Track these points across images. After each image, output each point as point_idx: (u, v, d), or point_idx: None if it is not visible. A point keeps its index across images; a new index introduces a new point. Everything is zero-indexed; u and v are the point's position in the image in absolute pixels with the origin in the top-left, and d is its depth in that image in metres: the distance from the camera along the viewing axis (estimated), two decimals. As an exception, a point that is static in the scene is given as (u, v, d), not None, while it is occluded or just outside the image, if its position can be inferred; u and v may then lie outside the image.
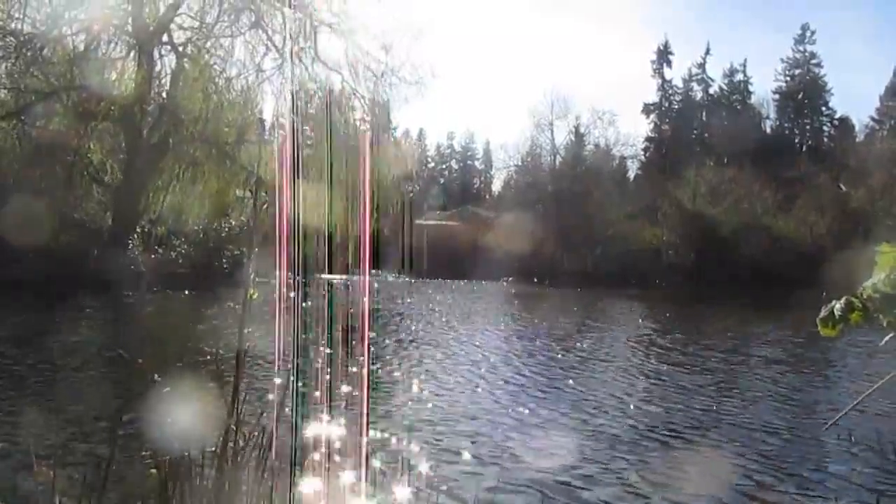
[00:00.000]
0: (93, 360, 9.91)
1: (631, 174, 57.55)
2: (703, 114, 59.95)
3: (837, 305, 1.59)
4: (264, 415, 3.31)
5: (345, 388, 7.92)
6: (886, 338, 1.54)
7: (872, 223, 32.32)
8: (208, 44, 24.50)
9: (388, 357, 11.14)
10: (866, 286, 1.56)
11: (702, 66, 59.40)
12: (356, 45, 25.15)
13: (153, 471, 3.04)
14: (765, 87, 67.49)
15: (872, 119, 56.18)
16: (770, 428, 7.18)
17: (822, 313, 1.62)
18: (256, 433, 3.09)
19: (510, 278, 38.65)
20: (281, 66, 24.86)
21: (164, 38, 24.12)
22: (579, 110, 60.50)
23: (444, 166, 78.95)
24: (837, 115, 57.90)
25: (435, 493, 4.65)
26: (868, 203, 35.48)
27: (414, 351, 11.98)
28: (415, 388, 8.63)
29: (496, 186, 68.66)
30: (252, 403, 6.78)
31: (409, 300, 23.48)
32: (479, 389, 8.67)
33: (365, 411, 7.20)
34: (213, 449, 2.95)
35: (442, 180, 74.79)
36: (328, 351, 9.07)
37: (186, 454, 2.92)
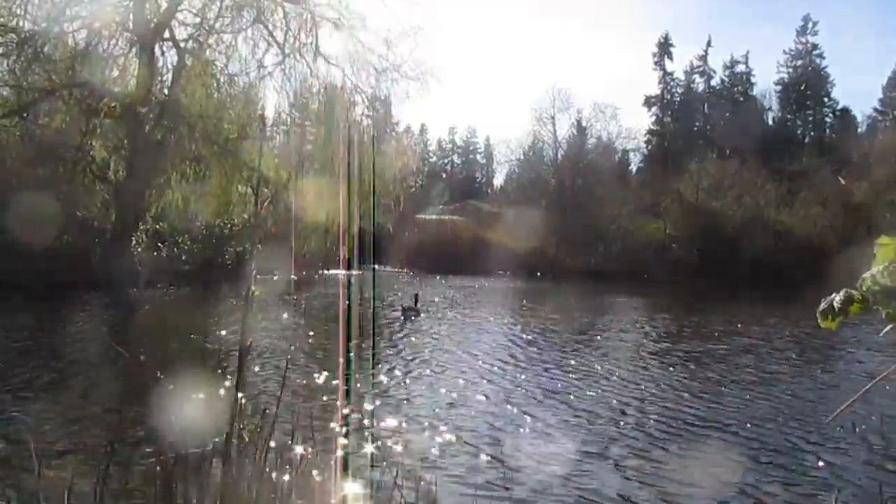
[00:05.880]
0: (95, 358, 9.94)
1: (633, 168, 57.50)
2: (705, 106, 59.82)
3: (836, 298, 1.59)
4: (267, 411, 3.32)
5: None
6: (885, 329, 1.54)
7: (876, 216, 32.19)
8: (210, 40, 24.47)
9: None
10: (865, 278, 1.55)
11: (703, 58, 59.28)
12: (358, 40, 25.11)
13: (157, 468, 3.05)
14: (767, 78, 67.55)
15: (875, 110, 56.06)
16: (775, 420, 7.19)
17: (822, 306, 1.62)
18: (260, 429, 3.10)
19: (509, 272, 38.62)
20: (282, 62, 24.84)
21: (166, 34, 24.08)
22: (581, 104, 60.54)
23: (445, 161, 78.87)
24: (839, 107, 57.76)
25: (438, 485, 4.66)
26: (871, 196, 35.32)
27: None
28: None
29: (498, 181, 68.67)
30: (256, 399, 6.81)
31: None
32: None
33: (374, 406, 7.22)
34: (216, 447, 2.96)
35: (444, 175, 74.70)
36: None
37: (190, 451, 2.93)
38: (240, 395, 2.95)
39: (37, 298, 16.42)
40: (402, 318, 15.53)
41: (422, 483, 4.59)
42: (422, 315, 16.09)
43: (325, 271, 29.47)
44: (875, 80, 70.81)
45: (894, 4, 70.72)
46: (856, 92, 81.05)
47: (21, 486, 4.46)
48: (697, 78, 59.64)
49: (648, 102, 58.28)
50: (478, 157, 78.73)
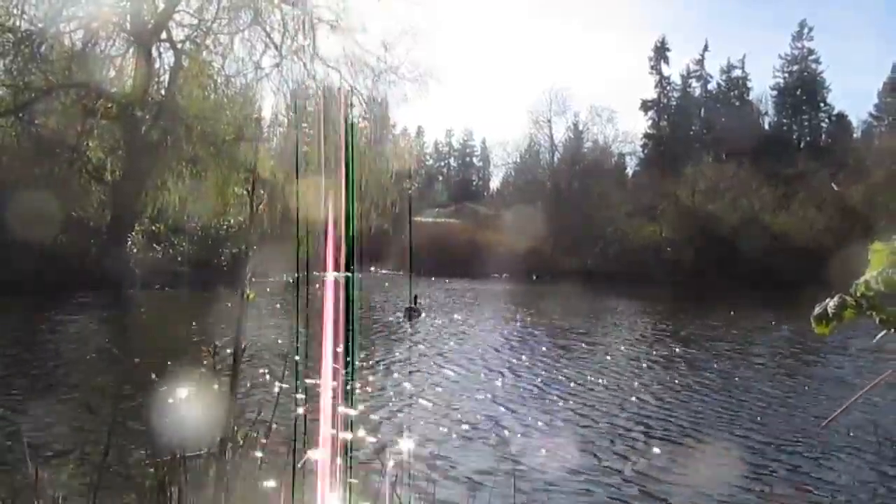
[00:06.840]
0: (90, 358, 9.92)
1: (630, 171, 57.52)
2: (702, 110, 59.84)
3: (831, 303, 1.59)
4: (262, 414, 3.31)
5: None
6: (879, 335, 1.54)
7: (872, 220, 32.25)
8: (207, 41, 24.46)
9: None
10: (859, 283, 1.55)
11: (700, 62, 59.29)
12: (355, 42, 25.11)
13: (152, 470, 3.04)
14: (763, 83, 67.57)
15: (871, 115, 56.25)
16: (769, 424, 7.19)
17: (816, 311, 1.61)
18: (255, 433, 3.10)
19: (506, 274, 38.58)
20: (279, 64, 24.83)
21: (163, 35, 24.07)
22: (578, 107, 60.62)
23: (442, 164, 78.82)
24: (835, 112, 57.89)
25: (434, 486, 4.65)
26: (868, 199, 35.41)
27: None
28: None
29: (494, 184, 68.74)
30: (251, 399, 6.80)
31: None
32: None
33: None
34: (211, 450, 2.96)
35: (440, 178, 74.69)
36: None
37: (185, 454, 2.92)
38: (235, 397, 2.94)
39: (32, 298, 16.36)
40: (404, 318, 16.05)
41: (420, 487, 4.59)
42: (422, 315, 16.55)
43: (323, 273, 29.41)
44: (872, 81, 71.12)
45: (892, 7, 70.96)
46: (853, 93, 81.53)
47: (15, 486, 4.44)
48: (694, 82, 59.72)
49: (645, 106, 58.28)
50: (474, 159, 78.70)
